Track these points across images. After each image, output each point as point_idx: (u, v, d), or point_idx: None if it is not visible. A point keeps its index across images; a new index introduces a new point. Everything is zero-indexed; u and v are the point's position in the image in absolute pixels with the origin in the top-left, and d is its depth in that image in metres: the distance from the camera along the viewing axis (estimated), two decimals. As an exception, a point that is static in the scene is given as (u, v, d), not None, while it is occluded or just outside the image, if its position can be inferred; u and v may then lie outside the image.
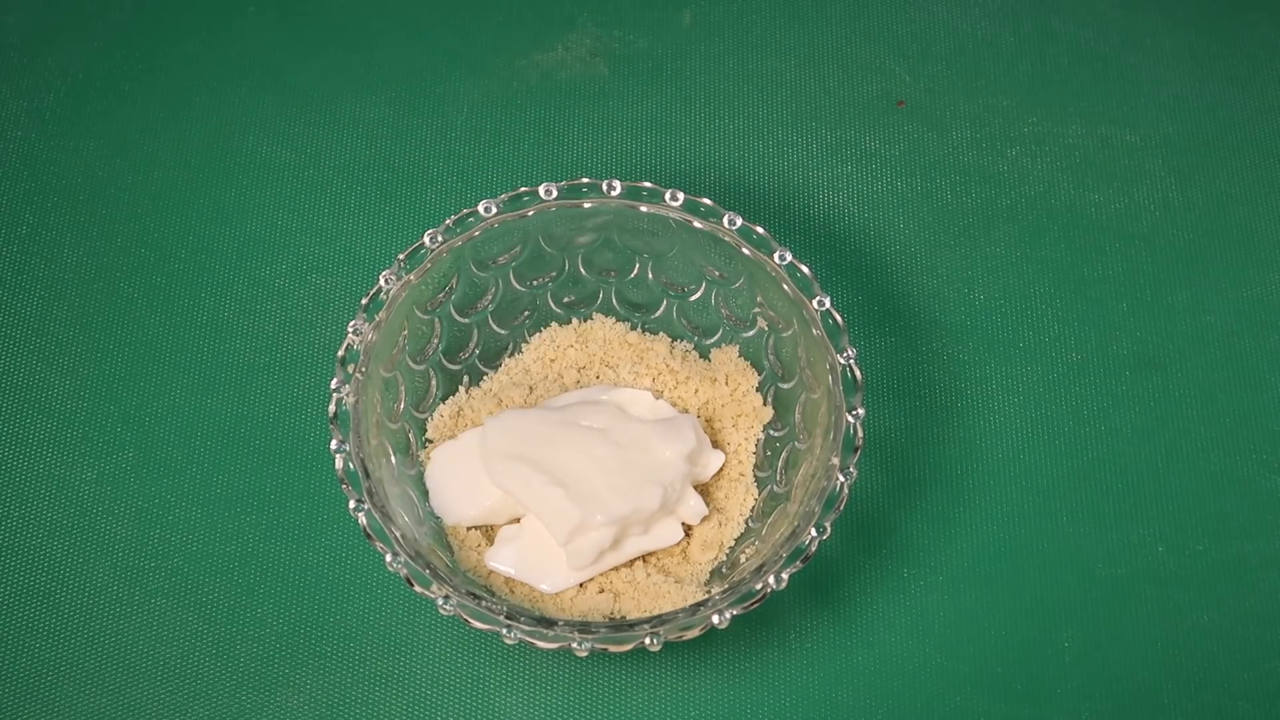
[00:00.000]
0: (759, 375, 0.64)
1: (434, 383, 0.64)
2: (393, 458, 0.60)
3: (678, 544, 0.61)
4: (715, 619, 0.54)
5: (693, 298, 0.65)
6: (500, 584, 0.60)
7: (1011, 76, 0.76)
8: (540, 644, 0.54)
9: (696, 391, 0.64)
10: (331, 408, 0.57)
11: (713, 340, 0.65)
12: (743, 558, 0.60)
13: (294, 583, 0.63)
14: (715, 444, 0.63)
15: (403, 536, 0.56)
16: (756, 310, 0.63)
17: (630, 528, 0.60)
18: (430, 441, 0.63)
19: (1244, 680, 0.62)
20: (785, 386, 0.63)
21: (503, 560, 0.60)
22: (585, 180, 0.61)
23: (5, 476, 0.65)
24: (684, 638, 0.55)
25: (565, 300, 0.66)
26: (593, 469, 0.59)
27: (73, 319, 0.69)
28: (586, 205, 0.61)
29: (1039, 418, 0.67)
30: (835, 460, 0.57)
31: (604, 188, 0.61)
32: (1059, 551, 0.64)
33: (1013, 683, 0.62)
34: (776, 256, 0.60)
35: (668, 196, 0.60)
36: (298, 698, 0.62)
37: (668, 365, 0.64)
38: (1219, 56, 0.76)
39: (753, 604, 0.55)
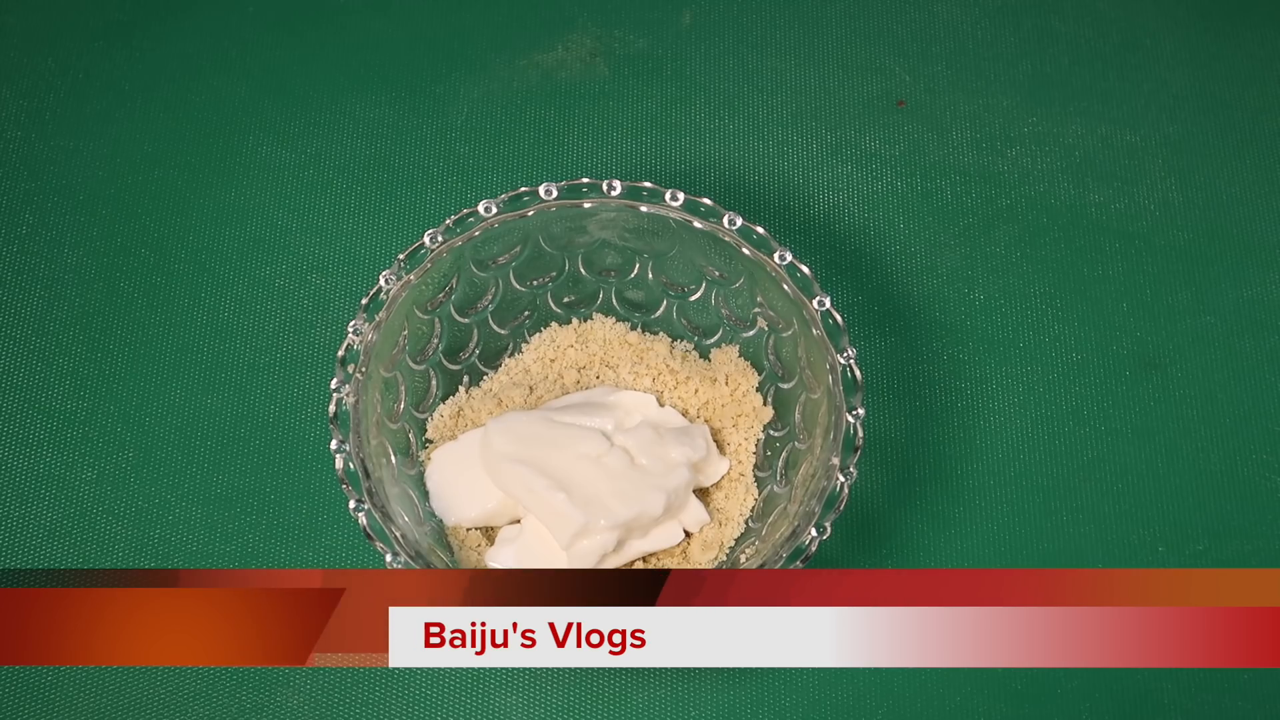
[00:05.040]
0: (759, 375, 0.64)
1: (434, 383, 0.63)
2: (393, 458, 0.60)
3: (678, 545, 0.61)
4: (715, 619, 0.54)
5: (693, 298, 0.65)
6: (500, 584, 0.60)
7: (1011, 76, 0.76)
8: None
9: (696, 391, 0.64)
10: (331, 408, 0.57)
11: (713, 340, 0.65)
12: (743, 558, 0.60)
13: (294, 583, 0.63)
14: (716, 444, 0.63)
15: (403, 536, 0.56)
16: (756, 310, 0.63)
17: (632, 531, 0.60)
18: (430, 442, 0.63)
19: (1244, 680, 0.62)
20: (785, 386, 0.63)
21: (503, 560, 0.60)
22: (585, 180, 0.61)
23: (5, 476, 0.65)
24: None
25: (565, 300, 0.65)
26: (596, 473, 0.59)
27: (73, 319, 0.69)
28: (586, 205, 0.61)
29: (1039, 418, 0.67)
30: (835, 460, 0.57)
31: (604, 188, 0.61)
32: (1059, 551, 0.64)
33: (1013, 683, 0.62)
34: (776, 256, 0.60)
35: (668, 196, 0.60)
36: (298, 698, 0.61)
37: (668, 365, 0.64)
38: (1219, 56, 0.76)
39: (753, 604, 0.55)
